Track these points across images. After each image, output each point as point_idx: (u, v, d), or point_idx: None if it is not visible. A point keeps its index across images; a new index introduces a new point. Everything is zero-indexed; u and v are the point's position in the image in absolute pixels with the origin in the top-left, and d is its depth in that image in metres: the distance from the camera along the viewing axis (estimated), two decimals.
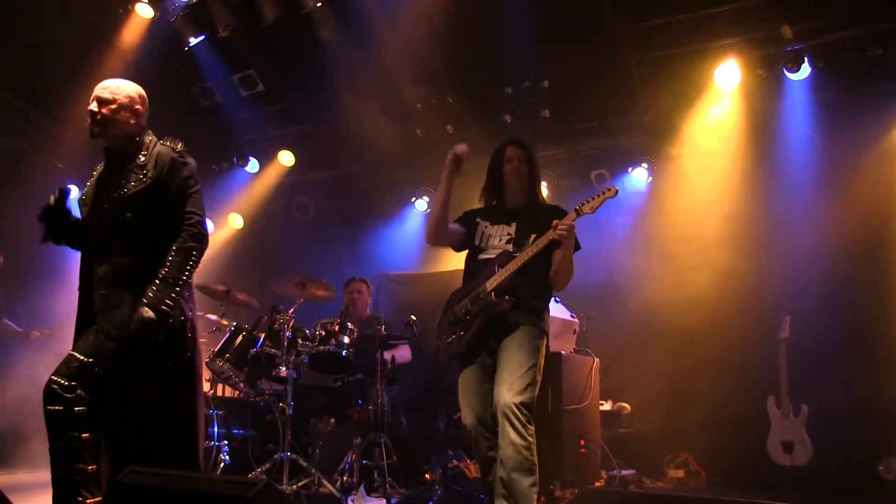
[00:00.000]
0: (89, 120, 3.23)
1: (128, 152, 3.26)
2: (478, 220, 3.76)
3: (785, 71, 5.83)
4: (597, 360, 5.39)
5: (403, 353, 5.87)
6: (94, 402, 3.00)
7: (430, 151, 7.49)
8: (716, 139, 6.40)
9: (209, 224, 8.14)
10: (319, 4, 5.94)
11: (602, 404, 5.70)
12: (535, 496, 3.22)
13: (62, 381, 2.98)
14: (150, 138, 3.33)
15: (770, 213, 6.21)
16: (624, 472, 5.38)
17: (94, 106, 3.23)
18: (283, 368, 5.01)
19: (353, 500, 4.57)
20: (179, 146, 3.32)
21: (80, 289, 3.28)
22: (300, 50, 6.47)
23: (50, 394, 2.97)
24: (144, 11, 6.12)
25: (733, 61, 5.91)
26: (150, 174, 3.17)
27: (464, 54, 6.42)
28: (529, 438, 3.23)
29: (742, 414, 5.80)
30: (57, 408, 2.95)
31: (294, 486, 4.67)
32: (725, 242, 6.21)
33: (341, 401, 5.58)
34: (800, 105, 6.15)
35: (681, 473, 5.79)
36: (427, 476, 5.13)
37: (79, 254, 3.37)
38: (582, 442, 4.95)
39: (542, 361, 3.43)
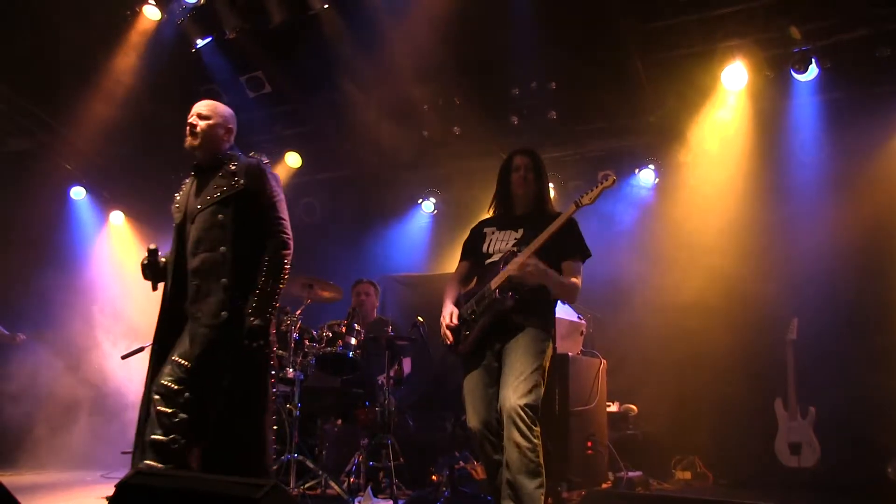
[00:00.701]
0: (188, 132, 3.54)
1: (217, 165, 3.53)
2: (485, 230, 3.77)
3: (792, 72, 5.82)
4: (604, 361, 5.38)
5: (405, 365, 5.89)
6: (196, 408, 3.20)
7: (436, 152, 7.51)
8: (723, 140, 6.38)
9: None
10: (326, 6, 5.95)
11: (609, 406, 5.69)
12: (542, 498, 3.21)
13: (172, 386, 3.20)
14: (239, 153, 3.63)
15: (778, 215, 6.19)
16: (631, 474, 5.37)
17: (193, 119, 3.54)
18: (290, 370, 5.01)
19: (360, 502, 4.58)
20: (265, 159, 3.65)
21: (172, 286, 3.49)
22: (307, 51, 6.47)
23: (161, 394, 3.19)
24: (152, 13, 6.15)
25: (740, 62, 5.89)
26: (241, 181, 3.44)
27: (471, 55, 6.42)
28: (535, 440, 3.22)
29: (749, 416, 5.79)
30: (166, 409, 3.17)
31: (301, 488, 4.67)
32: (733, 244, 6.20)
33: (348, 402, 5.59)
34: (807, 106, 6.14)
35: (688, 475, 5.79)
36: (434, 477, 5.13)
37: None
38: (589, 443, 4.93)
39: (547, 364, 3.42)
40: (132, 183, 8.40)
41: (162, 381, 3.21)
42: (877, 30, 5.54)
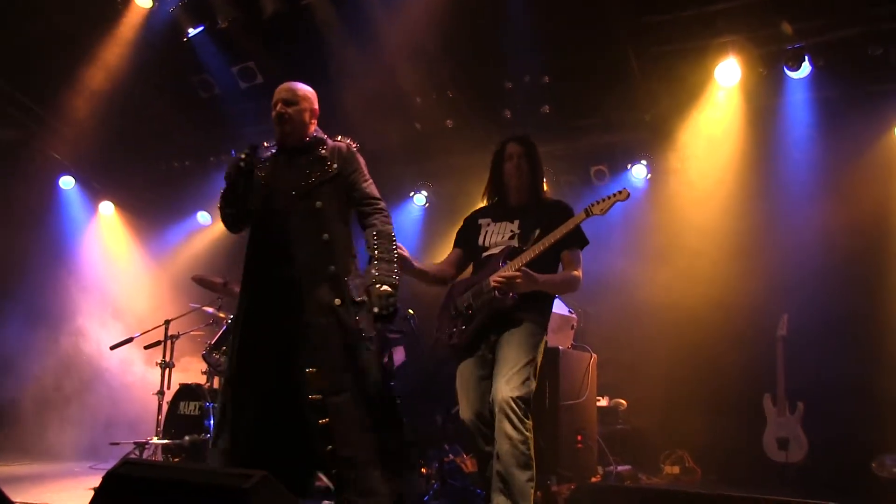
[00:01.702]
0: (277, 122, 3.42)
1: (305, 147, 3.46)
2: (479, 220, 3.75)
3: (785, 69, 5.82)
4: (594, 355, 5.39)
5: (398, 356, 5.87)
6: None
7: (429, 145, 7.49)
8: (715, 136, 6.39)
9: (207, 216, 8.19)
10: None
11: (599, 400, 5.71)
12: (532, 491, 3.21)
13: (318, 398, 3.16)
14: (323, 135, 3.55)
15: (769, 211, 6.21)
16: (620, 468, 5.39)
17: (280, 107, 3.42)
18: None
19: None
20: (351, 143, 3.56)
21: (252, 273, 3.40)
22: (300, 42, 6.44)
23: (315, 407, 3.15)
24: (143, 2, 6.11)
25: (734, 59, 5.89)
26: (335, 165, 3.41)
27: (464, 49, 6.41)
28: (526, 433, 3.22)
29: (738, 411, 5.81)
30: (323, 420, 3.13)
31: None
32: (724, 239, 6.21)
33: None
34: (800, 103, 6.13)
35: (676, 470, 5.80)
36: (423, 470, 5.12)
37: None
38: (579, 437, 4.95)
39: (540, 358, 3.42)
40: (122, 173, 8.35)
41: (310, 397, 3.15)
42: (870, 28, 5.54)
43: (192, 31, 6.38)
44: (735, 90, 6.17)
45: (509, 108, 6.83)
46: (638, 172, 6.92)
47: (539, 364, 3.40)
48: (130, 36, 6.40)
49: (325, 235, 3.30)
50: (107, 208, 8.34)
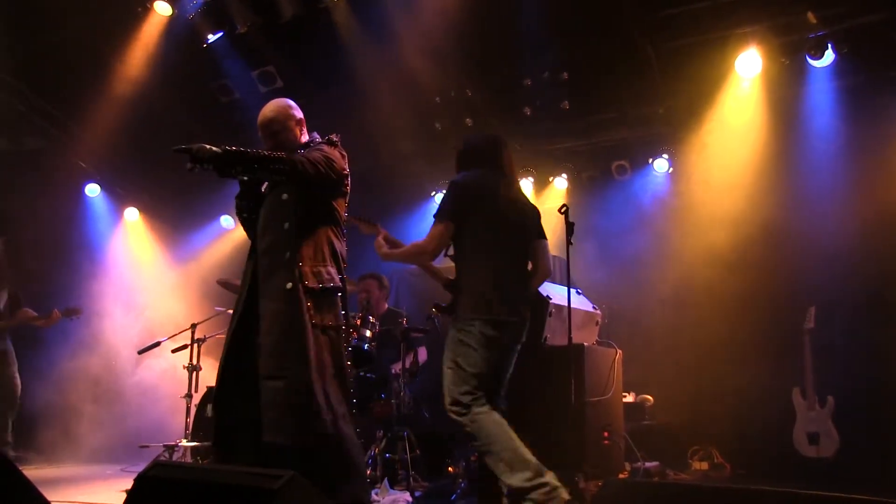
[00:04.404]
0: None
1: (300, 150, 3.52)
2: None
3: (808, 58, 5.76)
4: (619, 351, 5.36)
5: (420, 355, 5.88)
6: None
7: (449, 145, 7.48)
8: (737, 128, 6.33)
9: (230, 220, 8.24)
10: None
11: (625, 396, 5.67)
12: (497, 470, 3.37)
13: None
14: (317, 138, 3.63)
15: (794, 203, 6.13)
16: (647, 465, 5.35)
17: (265, 141, 3.52)
18: None
19: (377, 494, 4.58)
20: (334, 137, 3.62)
21: (246, 264, 3.52)
22: (319, 45, 6.47)
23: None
24: (163, 9, 6.16)
25: (754, 49, 5.83)
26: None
27: (482, 46, 6.40)
28: (470, 425, 3.45)
29: (767, 405, 5.75)
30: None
31: None
32: (749, 233, 6.15)
33: (364, 394, 5.60)
34: (823, 92, 6.06)
35: (705, 466, 5.76)
36: (450, 469, 5.13)
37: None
38: (605, 434, 4.92)
39: (467, 348, 3.55)
40: (146, 179, 8.44)
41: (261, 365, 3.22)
42: (894, 13, 5.46)
43: (211, 37, 6.44)
44: (756, 81, 6.11)
45: (529, 105, 6.83)
46: (660, 166, 6.88)
47: (470, 351, 3.54)
48: (151, 43, 6.46)
49: (286, 224, 3.36)
50: (132, 214, 8.44)
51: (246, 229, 3.64)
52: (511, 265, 3.69)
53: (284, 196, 3.40)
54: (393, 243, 3.90)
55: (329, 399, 3.21)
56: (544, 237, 3.90)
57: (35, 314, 6.69)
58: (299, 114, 3.63)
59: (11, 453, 6.47)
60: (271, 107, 3.57)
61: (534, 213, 3.90)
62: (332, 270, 3.41)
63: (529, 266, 3.82)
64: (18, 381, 6.68)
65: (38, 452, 6.78)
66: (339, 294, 3.43)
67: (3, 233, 6.90)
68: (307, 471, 2.63)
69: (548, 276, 3.98)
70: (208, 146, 3.10)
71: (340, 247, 3.54)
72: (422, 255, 3.74)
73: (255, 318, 3.34)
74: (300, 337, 3.19)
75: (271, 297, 3.29)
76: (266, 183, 3.58)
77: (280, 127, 3.52)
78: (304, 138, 3.61)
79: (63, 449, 7.19)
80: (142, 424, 7.34)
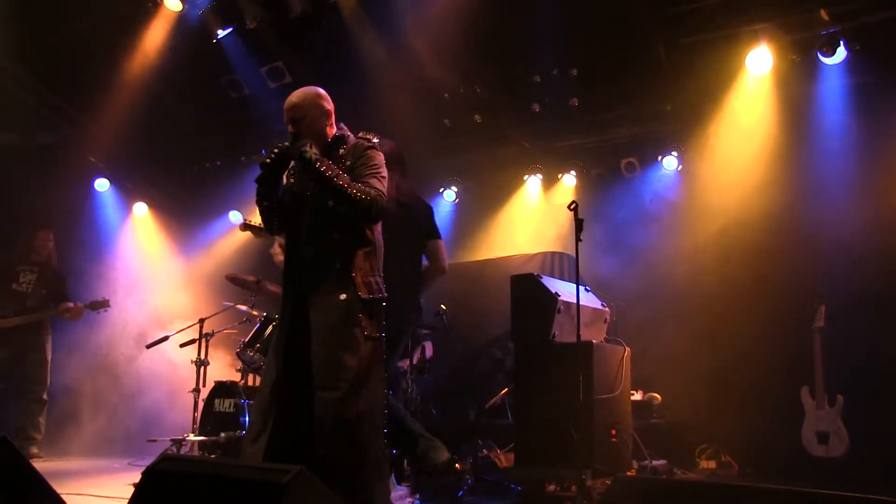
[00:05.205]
0: (291, 139, 3.38)
1: (325, 149, 3.42)
2: None
3: (819, 55, 5.71)
4: (628, 349, 5.34)
5: (427, 351, 5.89)
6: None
7: (458, 141, 7.48)
8: (748, 126, 6.29)
9: (239, 215, 8.26)
10: None
11: (633, 394, 5.65)
12: None
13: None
14: (347, 133, 3.54)
15: (804, 201, 6.10)
16: (655, 463, 5.33)
17: (291, 128, 3.40)
18: None
19: None
20: (372, 138, 3.54)
21: (287, 271, 3.44)
22: (328, 41, 6.47)
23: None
24: (173, 4, 6.16)
25: (765, 46, 5.79)
26: (348, 163, 3.37)
27: (492, 43, 6.38)
28: None
29: (775, 404, 5.72)
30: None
31: None
32: (758, 231, 6.12)
33: None
34: (835, 90, 6.02)
35: (713, 464, 5.73)
36: (457, 465, 5.12)
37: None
38: (613, 432, 4.90)
39: None
40: (155, 174, 8.47)
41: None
42: None
43: (221, 33, 6.44)
44: (767, 78, 6.07)
45: (538, 102, 6.82)
46: (669, 164, 6.85)
47: None
48: (161, 39, 6.47)
49: (335, 233, 3.30)
50: (140, 209, 8.46)
51: (266, 219, 3.55)
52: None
53: (332, 202, 3.28)
54: None
55: (374, 411, 3.23)
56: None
57: (70, 306, 6.76)
58: (328, 105, 3.51)
59: (34, 450, 6.53)
60: (298, 93, 3.48)
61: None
62: (380, 280, 3.38)
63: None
64: (47, 377, 6.77)
65: (43, 446, 6.80)
66: (384, 303, 3.39)
67: (44, 226, 7.05)
68: (349, 482, 2.77)
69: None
70: (310, 148, 3.18)
71: (381, 253, 3.47)
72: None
73: (304, 327, 3.26)
74: (354, 349, 3.18)
75: (325, 309, 3.23)
76: (288, 170, 3.51)
77: (302, 114, 3.41)
78: (333, 130, 3.51)
79: (69, 442, 7.23)
80: (149, 418, 7.38)
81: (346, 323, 3.20)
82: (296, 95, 3.47)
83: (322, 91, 3.53)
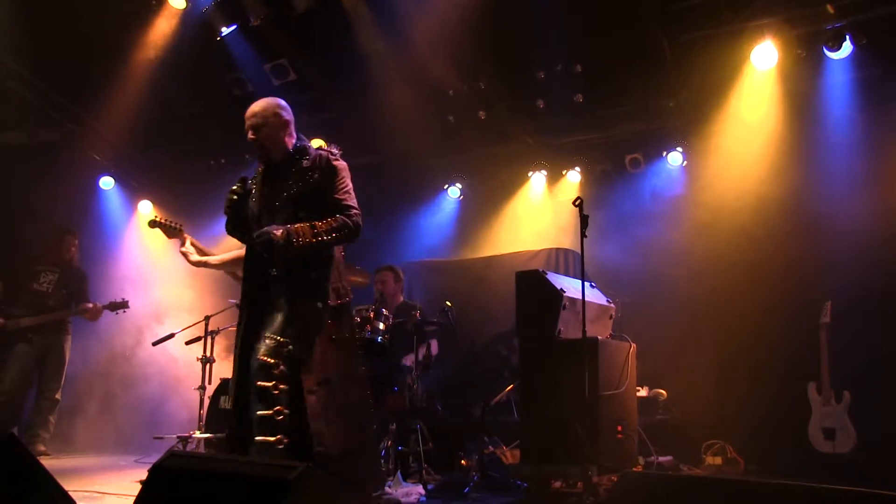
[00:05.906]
0: (253, 146, 3.63)
1: (287, 160, 3.61)
2: None
3: (825, 50, 5.68)
4: (633, 345, 5.34)
5: (432, 347, 5.89)
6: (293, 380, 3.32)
7: (462, 138, 7.47)
8: (752, 122, 6.27)
9: (148, 205, 8.28)
10: None
11: (639, 390, 5.64)
12: None
13: (268, 360, 3.29)
14: (306, 143, 3.71)
15: (810, 197, 6.08)
16: (661, 459, 5.33)
17: (250, 135, 3.59)
18: None
19: (389, 486, 4.58)
20: (335, 150, 3.68)
21: (246, 275, 3.61)
22: (332, 38, 6.47)
23: (259, 370, 3.29)
24: (177, 2, 6.16)
25: (770, 41, 5.77)
26: (315, 176, 3.54)
27: (495, 39, 6.37)
28: None
29: (782, 400, 5.71)
30: (265, 383, 3.25)
31: None
32: (764, 226, 6.11)
33: (377, 387, 5.60)
34: (841, 85, 5.99)
35: (719, 461, 5.73)
36: (463, 462, 5.13)
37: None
38: (619, 428, 4.90)
39: None
40: (159, 172, 8.47)
41: (259, 357, 3.30)
42: None
43: (225, 30, 6.44)
44: (772, 73, 6.05)
45: (542, 98, 6.80)
46: (674, 159, 6.83)
47: None
48: (165, 36, 6.47)
49: None
50: (145, 207, 8.46)
51: (232, 220, 3.69)
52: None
53: (301, 214, 3.46)
54: (202, 250, 4.24)
55: (359, 406, 3.51)
56: None
57: (90, 307, 6.79)
58: (287, 115, 3.66)
59: (41, 447, 6.55)
60: (259, 102, 3.67)
61: None
62: (346, 283, 3.60)
63: None
64: (63, 377, 6.82)
65: (50, 443, 6.82)
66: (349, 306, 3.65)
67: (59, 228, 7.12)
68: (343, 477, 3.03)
69: None
70: (277, 233, 3.29)
71: (342, 260, 3.70)
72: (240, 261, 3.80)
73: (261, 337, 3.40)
74: (329, 350, 3.41)
75: (299, 316, 3.38)
76: (253, 177, 3.70)
77: (261, 122, 3.57)
78: (291, 141, 3.65)
79: (76, 439, 7.25)
80: (155, 416, 7.39)
81: (318, 330, 3.39)
82: (257, 105, 3.64)
83: (282, 102, 3.70)
